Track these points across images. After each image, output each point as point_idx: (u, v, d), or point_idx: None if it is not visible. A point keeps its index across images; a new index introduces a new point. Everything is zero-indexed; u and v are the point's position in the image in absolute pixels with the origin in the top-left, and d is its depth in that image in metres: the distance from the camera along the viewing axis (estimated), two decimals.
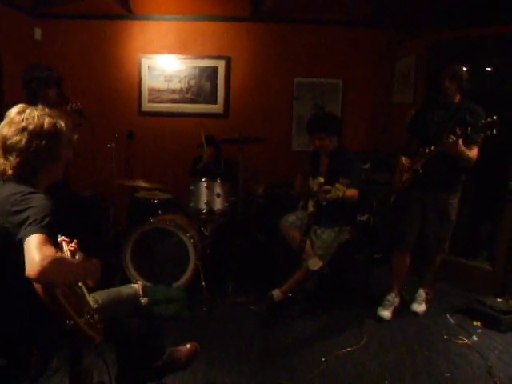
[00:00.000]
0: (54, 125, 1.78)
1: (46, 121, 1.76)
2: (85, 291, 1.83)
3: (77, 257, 2.08)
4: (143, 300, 2.12)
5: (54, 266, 1.46)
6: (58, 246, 1.76)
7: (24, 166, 1.72)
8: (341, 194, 3.10)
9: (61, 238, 2.15)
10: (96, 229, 4.22)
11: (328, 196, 3.17)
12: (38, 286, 1.52)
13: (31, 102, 2.67)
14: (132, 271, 3.71)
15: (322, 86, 5.05)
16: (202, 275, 3.66)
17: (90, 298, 1.84)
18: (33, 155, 1.72)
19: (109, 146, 4.26)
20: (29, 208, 1.57)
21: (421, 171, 3.26)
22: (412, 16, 4.37)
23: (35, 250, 1.46)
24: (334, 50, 5.00)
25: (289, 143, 5.17)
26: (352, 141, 4.72)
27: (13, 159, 1.71)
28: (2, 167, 1.74)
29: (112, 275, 3.71)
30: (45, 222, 1.54)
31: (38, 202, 1.60)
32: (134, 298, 2.12)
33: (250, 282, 3.93)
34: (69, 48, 4.98)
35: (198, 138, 4.54)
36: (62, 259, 1.55)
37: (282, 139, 5.11)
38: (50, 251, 1.48)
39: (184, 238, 3.66)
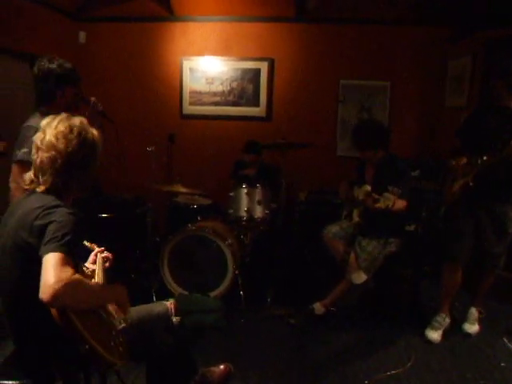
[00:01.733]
0: (94, 136, 1.74)
1: (89, 132, 1.72)
2: (110, 310, 1.73)
3: (106, 264, 2.03)
4: (175, 319, 2.01)
5: (68, 290, 1.36)
6: (77, 267, 1.66)
7: (56, 177, 1.65)
8: (390, 204, 2.90)
9: (96, 250, 2.09)
10: (134, 233, 4.17)
11: (377, 205, 2.99)
12: (52, 309, 1.43)
13: (46, 102, 2.53)
14: (169, 279, 3.65)
15: (369, 88, 4.87)
16: (240, 285, 3.58)
17: (116, 317, 1.73)
18: (68, 167, 1.64)
19: (149, 149, 4.21)
20: (50, 223, 1.49)
21: (471, 184, 2.99)
22: (467, 12, 4.08)
23: (50, 271, 1.37)
24: (381, 50, 4.79)
25: (333, 148, 5.00)
26: (401, 146, 4.47)
27: (48, 171, 1.64)
28: (35, 180, 1.67)
29: (149, 282, 3.70)
30: (65, 239, 1.45)
31: (61, 216, 1.51)
32: (166, 316, 2.02)
33: (290, 293, 3.80)
34: (111, 51, 5.00)
35: (240, 142, 4.50)
36: (80, 282, 1.45)
37: (327, 144, 4.93)
38: (66, 273, 1.38)
39: (223, 246, 3.57)
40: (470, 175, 3.01)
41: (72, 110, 2.56)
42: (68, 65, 2.59)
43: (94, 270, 1.98)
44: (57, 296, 1.34)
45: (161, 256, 3.64)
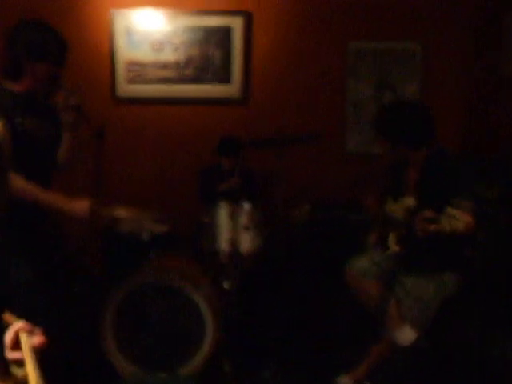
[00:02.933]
0: None
1: None
2: None
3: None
4: None
5: None
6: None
7: None
8: (461, 227, 2.78)
9: (16, 327, 1.84)
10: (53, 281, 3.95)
11: (431, 228, 2.85)
12: None
13: (11, 76, 2.72)
14: (114, 352, 3.48)
15: (391, 53, 4.91)
16: (224, 354, 3.53)
17: None
18: None
19: None
20: None
21: None
22: None
23: None
24: None
25: (341, 142, 5.04)
26: (439, 137, 4.44)
27: None
28: None
29: (82, 359, 3.51)
30: None
31: None
32: None
33: (300, 362, 3.75)
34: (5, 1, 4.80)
35: (205, 137, 4.62)
36: None
37: (332, 136, 4.92)
38: None
39: (196, 297, 3.46)
40: None
41: (42, 94, 2.91)
42: (50, 34, 2.76)
43: (22, 363, 1.72)
44: None
45: (101, 318, 3.48)
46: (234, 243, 3.75)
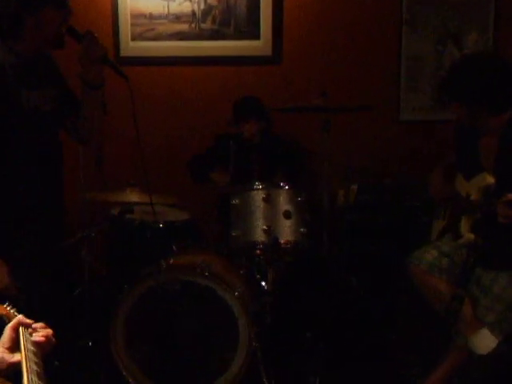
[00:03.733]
0: None
1: None
2: None
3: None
4: None
5: None
6: None
7: None
8: None
9: (15, 322, 1.84)
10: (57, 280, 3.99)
11: None
12: None
13: (11, 33, 2.69)
14: (128, 364, 3.51)
15: None
16: (261, 365, 3.48)
17: None
18: None
19: None
20: None
21: None
22: None
23: None
24: None
25: (395, 109, 5.03)
26: None
27: None
28: None
29: (90, 372, 3.58)
30: None
31: None
32: None
33: (351, 374, 3.78)
34: None
35: (231, 105, 4.54)
36: None
37: (383, 102, 4.91)
38: None
39: (227, 299, 3.48)
40: None
41: (52, 48, 2.89)
42: None
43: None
44: None
45: (112, 323, 3.50)
46: (272, 233, 3.68)
